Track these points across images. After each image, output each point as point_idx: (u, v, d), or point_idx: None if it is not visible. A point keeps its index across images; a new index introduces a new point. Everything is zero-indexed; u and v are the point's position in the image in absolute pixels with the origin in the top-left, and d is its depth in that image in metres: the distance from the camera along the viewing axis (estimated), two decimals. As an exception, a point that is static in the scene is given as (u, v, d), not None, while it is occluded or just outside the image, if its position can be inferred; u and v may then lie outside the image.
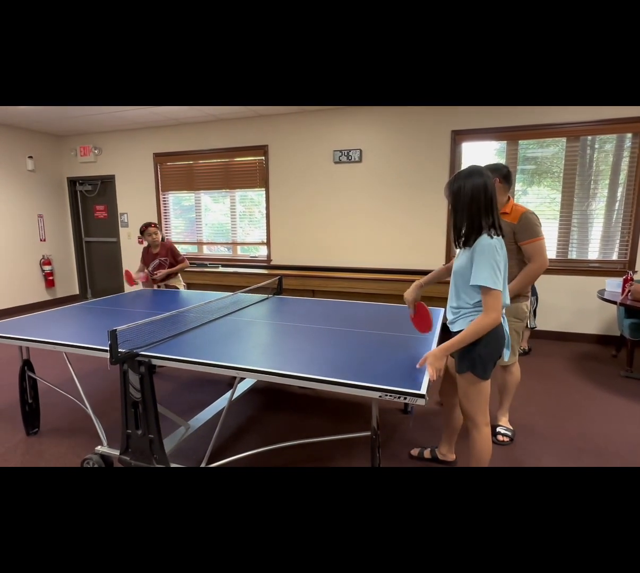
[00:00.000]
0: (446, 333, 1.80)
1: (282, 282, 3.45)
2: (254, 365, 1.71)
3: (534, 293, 4.04)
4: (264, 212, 5.39)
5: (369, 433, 1.73)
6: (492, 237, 1.62)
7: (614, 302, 3.47)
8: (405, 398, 1.45)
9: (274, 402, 3.02)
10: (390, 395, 1.47)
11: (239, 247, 5.71)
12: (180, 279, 3.94)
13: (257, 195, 5.45)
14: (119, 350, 1.79)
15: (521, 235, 2.25)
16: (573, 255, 4.37)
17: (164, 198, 5.92)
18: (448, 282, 1.83)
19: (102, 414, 2.81)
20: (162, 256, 3.70)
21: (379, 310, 2.75)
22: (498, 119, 4.29)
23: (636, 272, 4.11)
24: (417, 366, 1.66)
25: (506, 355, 1.76)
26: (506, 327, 1.76)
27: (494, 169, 2.35)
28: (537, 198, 4.43)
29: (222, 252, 5.88)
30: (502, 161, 4.42)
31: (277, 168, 5.20)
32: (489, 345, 1.67)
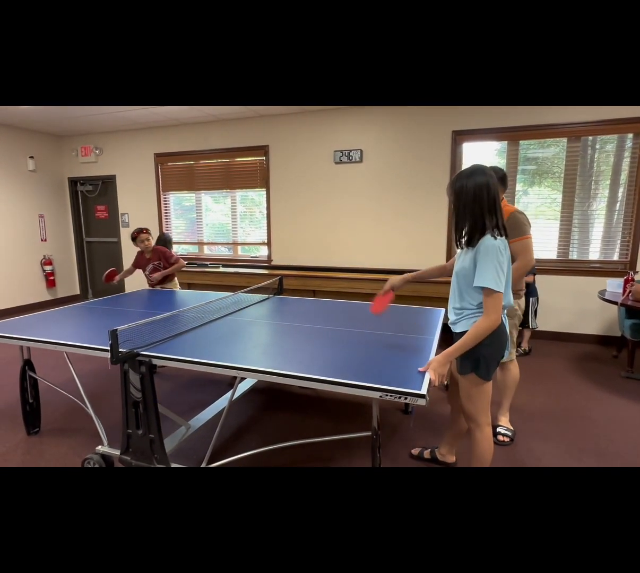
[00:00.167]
0: (447, 334, 1.80)
1: (283, 282, 3.45)
2: (255, 365, 1.71)
3: (535, 293, 4.04)
4: (265, 212, 5.39)
5: (369, 433, 1.73)
6: (496, 238, 1.60)
7: (615, 303, 3.47)
8: (405, 399, 1.45)
9: (274, 402, 3.02)
10: (390, 395, 1.47)
11: (239, 247, 5.71)
12: (177, 283, 3.93)
13: (257, 195, 5.45)
14: (120, 350, 1.79)
15: (509, 234, 2.26)
16: (574, 255, 4.37)
17: (165, 198, 5.92)
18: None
19: (103, 414, 2.81)
20: (155, 260, 3.71)
21: (380, 311, 2.75)
22: (499, 119, 4.29)
23: (637, 272, 4.10)
24: (420, 370, 1.65)
25: (506, 355, 1.76)
26: (508, 328, 1.75)
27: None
28: (538, 198, 4.43)
29: (223, 252, 5.88)
30: (503, 161, 4.42)
31: (277, 168, 5.20)
32: (491, 346, 1.67)
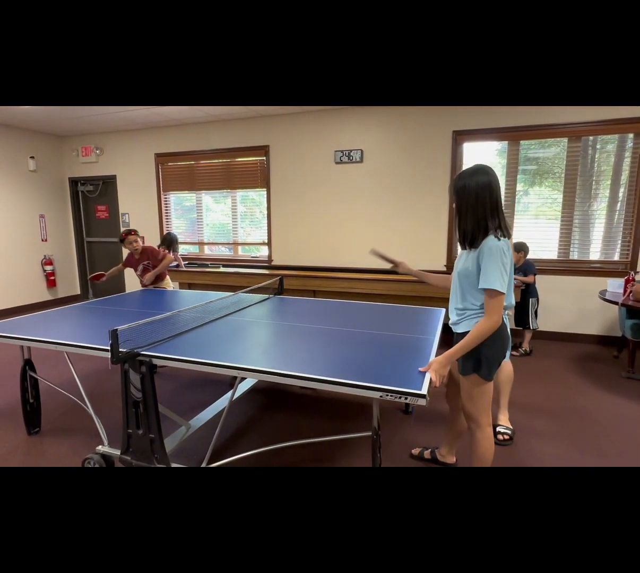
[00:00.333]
0: (447, 334, 1.80)
1: (283, 282, 3.45)
2: (255, 365, 1.71)
3: (535, 294, 4.03)
4: (265, 212, 5.39)
5: (369, 433, 1.72)
6: (499, 239, 1.59)
7: (616, 303, 3.47)
8: (406, 399, 1.45)
9: (274, 402, 3.02)
10: (391, 395, 1.47)
11: (240, 247, 5.71)
12: (169, 281, 3.96)
13: (258, 195, 5.45)
14: (120, 349, 1.79)
15: None
16: (574, 255, 4.36)
17: (165, 198, 5.93)
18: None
19: (103, 414, 2.81)
20: (144, 260, 3.72)
21: (380, 310, 2.75)
22: (499, 119, 4.29)
23: (638, 272, 4.10)
24: (421, 370, 1.65)
25: (507, 355, 1.76)
26: (509, 328, 1.75)
27: None
28: (538, 198, 4.43)
29: (223, 252, 5.88)
30: (504, 161, 4.41)
31: (278, 168, 5.20)
32: (493, 347, 1.67)
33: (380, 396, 1.48)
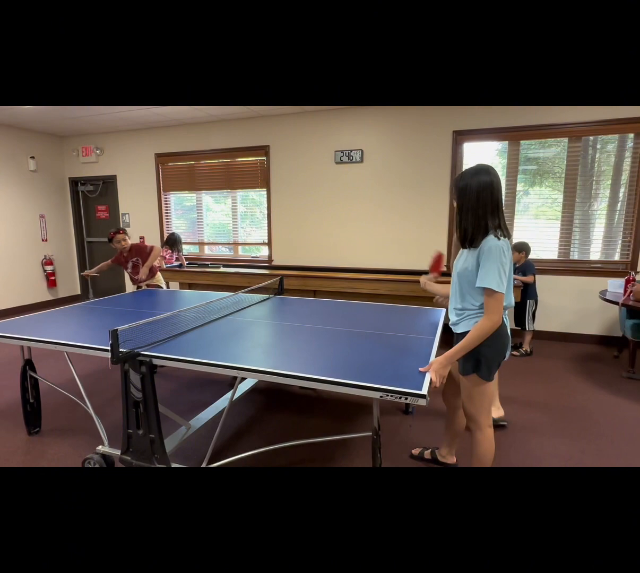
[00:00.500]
0: (448, 334, 1.80)
1: (283, 282, 3.45)
2: (255, 365, 1.71)
3: (534, 296, 4.02)
4: (265, 212, 5.39)
5: (370, 433, 1.72)
6: (499, 239, 1.59)
7: (616, 303, 3.47)
8: (406, 399, 1.45)
9: (275, 402, 3.02)
10: (391, 396, 1.47)
11: (240, 248, 5.71)
12: (161, 278, 3.98)
13: (258, 195, 5.45)
14: (120, 349, 1.79)
15: None
16: (575, 255, 4.36)
17: (166, 198, 5.93)
18: (440, 283, 1.83)
19: (103, 414, 2.81)
20: (133, 258, 3.74)
21: (380, 311, 2.75)
22: (500, 119, 4.29)
23: (638, 272, 4.10)
24: (421, 370, 1.65)
25: (507, 355, 1.76)
26: (509, 328, 1.75)
27: None
28: (538, 198, 4.42)
29: (224, 252, 5.88)
30: (504, 161, 4.41)
31: (278, 168, 5.20)
32: (493, 347, 1.66)
33: (381, 396, 1.48)
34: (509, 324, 1.78)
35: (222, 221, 5.74)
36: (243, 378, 1.87)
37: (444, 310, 2.70)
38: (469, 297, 1.69)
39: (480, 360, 1.67)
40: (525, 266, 3.92)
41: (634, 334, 3.43)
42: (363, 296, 4.09)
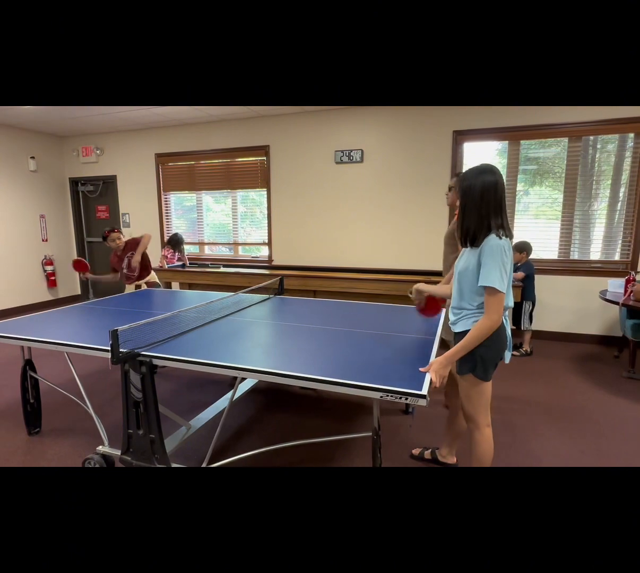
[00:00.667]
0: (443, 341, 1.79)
1: (284, 282, 3.45)
2: (255, 365, 1.71)
3: (530, 296, 4.01)
4: (266, 212, 5.39)
5: (370, 433, 1.72)
6: (501, 238, 1.59)
7: (616, 303, 3.46)
8: (406, 399, 1.45)
9: (275, 402, 3.02)
10: (391, 396, 1.47)
11: (240, 248, 5.71)
12: (155, 276, 4.00)
13: (258, 195, 5.45)
14: (121, 350, 1.79)
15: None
16: (575, 255, 4.36)
17: (166, 198, 5.93)
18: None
19: (104, 414, 2.81)
20: (128, 253, 3.75)
21: (381, 311, 2.75)
22: (500, 119, 4.29)
23: (638, 272, 4.10)
24: (422, 370, 1.65)
25: (507, 357, 1.75)
26: (508, 329, 1.74)
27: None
28: (539, 198, 4.42)
29: (224, 252, 5.88)
30: (504, 161, 4.41)
31: (278, 168, 5.20)
32: (491, 347, 1.66)
33: (381, 396, 1.48)
34: (509, 325, 1.78)
35: (222, 221, 5.74)
36: (243, 379, 1.87)
37: (443, 310, 2.70)
38: (467, 297, 1.69)
39: (477, 361, 1.67)
40: (524, 266, 3.92)
41: (634, 334, 3.43)
42: (363, 296, 4.09)
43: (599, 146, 4.16)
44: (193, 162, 5.65)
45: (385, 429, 2.61)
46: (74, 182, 6.45)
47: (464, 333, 1.66)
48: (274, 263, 5.41)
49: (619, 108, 3.90)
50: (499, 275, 1.56)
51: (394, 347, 1.96)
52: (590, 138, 4.13)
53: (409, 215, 4.79)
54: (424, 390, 1.46)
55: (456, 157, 4.50)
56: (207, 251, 5.93)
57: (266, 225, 5.42)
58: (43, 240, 6.14)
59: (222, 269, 4.90)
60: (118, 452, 2.01)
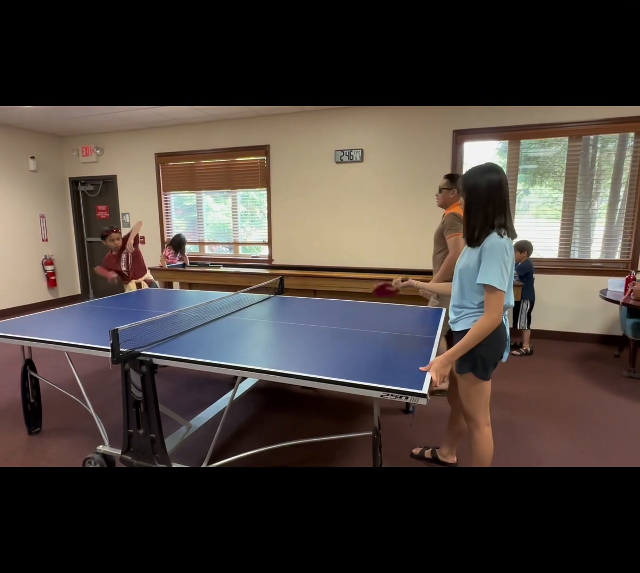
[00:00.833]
0: (448, 333, 1.79)
1: (284, 282, 3.45)
2: (256, 364, 1.71)
3: (529, 296, 4.00)
4: (266, 212, 5.39)
5: (370, 433, 1.72)
6: (502, 237, 1.59)
7: (617, 302, 3.46)
8: (406, 398, 1.45)
9: (275, 401, 3.02)
10: (391, 395, 1.47)
11: (240, 247, 5.71)
12: (149, 273, 4.01)
13: (258, 195, 5.45)
14: (121, 349, 1.79)
15: (446, 230, 2.81)
16: (575, 254, 4.36)
17: (166, 198, 5.93)
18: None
19: (104, 414, 2.81)
20: (124, 249, 3.74)
21: (381, 310, 2.75)
22: (500, 118, 4.28)
23: (639, 271, 4.09)
24: (422, 369, 1.65)
25: (505, 356, 1.75)
26: (508, 328, 1.74)
27: (453, 178, 2.81)
28: (539, 198, 4.42)
29: (224, 252, 5.88)
30: (504, 161, 4.41)
31: (278, 168, 5.20)
32: (491, 346, 1.66)
33: (381, 396, 1.48)
34: (508, 325, 1.78)
35: (222, 221, 5.73)
36: (243, 378, 1.87)
37: (444, 309, 2.70)
38: (468, 296, 1.69)
39: (477, 360, 1.67)
40: (523, 265, 3.91)
41: (634, 333, 3.43)
42: (363, 295, 4.09)
43: (599, 145, 4.16)
44: (193, 162, 5.65)
45: (385, 428, 2.61)
46: (74, 182, 6.45)
47: (464, 332, 1.66)
48: (274, 262, 5.41)
49: (619, 107, 3.90)
50: (499, 273, 1.56)
51: (394, 346, 1.96)
52: (591, 137, 4.13)
53: (409, 214, 4.78)
54: (425, 389, 1.46)
55: (456, 156, 4.50)
56: (207, 251, 5.93)
57: (266, 224, 5.42)
58: (43, 240, 6.14)
59: (222, 269, 4.90)
60: (118, 452, 2.01)
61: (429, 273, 4.21)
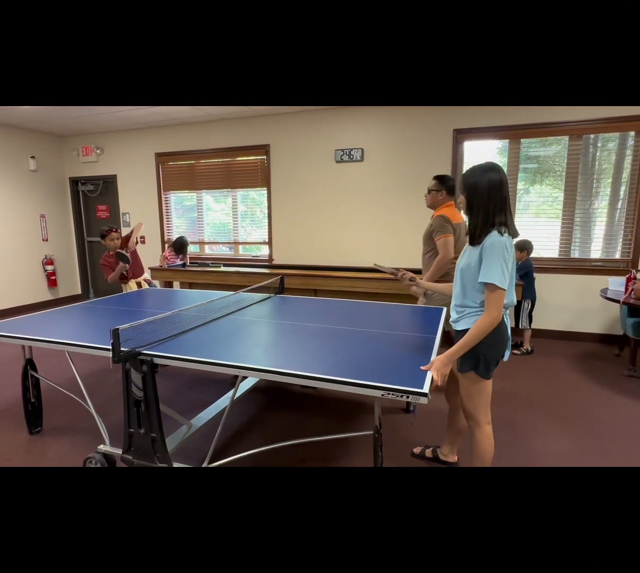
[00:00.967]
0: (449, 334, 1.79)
1: (284, 282, 3.45)
2: (257, 364, 1.71)
3: (530, 296, 4.00)
4: (266, 211, 5.39)
5: (371, 432, 1.72)
6: (502, 235, 1.60)
7: (617, 301, 3.46)
8: (407, 397, 1.45)
9: (276, 401, 3.02)
10: (392, 394, 1.47)
11: (240, 247, 5.71)
12: (146, 272, 4.04)
13: (258, 194, 5.45)
14: (122, 349, 1.80)
15: (435, 232, 2.82)
16: (576, 254, 4.36)
17: (166, 198, 5.93)
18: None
19: (105, 413, 2.81)
20: (122, 248, 3.75)
21: (381, 309, 2.75)
22: (500, 117, 4.28)
23: (639, 270, 4.09)
24: (423, 368, 1.65)
25: (506, 355, 1.75)
26: (509, 327, 1.74)
27: (442, 180, 2.83)
28: (539, 197, 4.42)
29: (224, 251, 5.88)
30: (504, 160, 4.41)
31: (278, 167, 5.20)
32: (492, 345, 1.66)
33: (382, 395, 1.48)
34: (510, 323, 1.77)
35: (222, 220, 5.73)
36: (244, 378, 1.87)
37: (444, 308, 2.70)
38: (470, 294, 1.69)
39: (479, 359, 1.67)
40: (525, 265, 3.91)
41: (635, 332, 3.43)
42: (364, 295, 4.09)
43: (599, 144, 4.15)
44: (193, 161, 5.65)
45: (386, 428, 2.61)
46: (74, 182, 6.45)
47: (466, 331, 1.66)
48: (274, 262, 5.41)
49: (619, 106, 3.90)
50: (499, 271, 1.56)
51: (394, 345, 1.96)
52: (591, 136, 4.13)
53: (409, 213, 4.78)
54: (425, 388, 1.46)
55: (457, 155, 4.49)
56: (208, 250, 5.93)
57: (266, 224, 5.42)
58: (43, 240, 6.14)
59: (223, 268, 4.91)
60: (119, 451, 2.02)
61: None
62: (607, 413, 2.80)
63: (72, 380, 3.35)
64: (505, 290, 1.57)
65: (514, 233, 1.64)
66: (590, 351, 4.10)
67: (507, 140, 4.36)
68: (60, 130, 5.94)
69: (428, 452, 2.27)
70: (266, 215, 5.40)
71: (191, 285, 4.88)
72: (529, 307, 4.00)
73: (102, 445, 2.14)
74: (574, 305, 4.37)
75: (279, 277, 3.44)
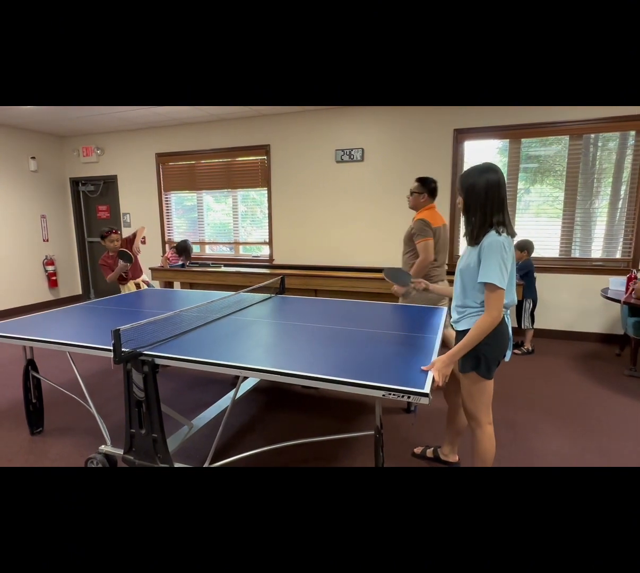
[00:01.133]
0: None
1: (285, 282, 3.45)
2: (257, 364, 1.71)
3: (531, 295, 4.00)
4: (266, 211, 5.39)
5: (372, 432, 1.72)
6: (500, 234, 1.60)
7: (618, 301, 3.46)
8: (408, 397, 1.45)
9: (277, 401, 3.02)
10: (393, 394, 1.47)
11: (241, 247, 5.72)
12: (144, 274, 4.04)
13: (259, 194, 5.45)
14: (123, 349, 1.80)
15: (416, 235, 2.93)
16: (576, 253, 4.35)
17: (166, 198, 5.93)
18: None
19: (106, 414, 2.81)
20: (122, 248, 3.75)
21: (382, 309, 2.75)
22: (500, 117, 4.28)
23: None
24: (424, 369, 1.65)
25: (508, 355, 1.75)
26: (510, 327, 1.74)
27: (424, 182, 2.93)
28: (539, 196, 4.42)
29: (225, 251, 5.88)
30: (505, 160, 4.41)
31: (279, 167, 5.20)
32: (493, 345, 1.66)
33: (383, 395, 1.48)
34: (511, 323, 1.77)
35: (222, 220, 5.74)
36: (245, 378, 1.88)
37: (445, 309, 2.70)
38: (470, 295, 1.69)
39: (480, 359, 1.67)
40: (525, 265, 3.91)
41: (635, 332, 3.43)
42: (364, 295, 4.10)
43: (600, 144, 4.15)
44: (193, 162, 5.65)
45: (387, 428, 2.61)
46: (75, 182, 6.45)
47: (467, 332, 1.66)
48: (274, 262, 5.41)
49: (619, 106, 3.89)
50: (498, 271, 1.56)
51: (395, 345, 1.96)
52: (591, 136, 4.12)
53: (409, 213, 4.77)
54: (426, 389, 1.46)
55: (457, 155, 4.49)
56: (208, 251, 5.93)
57: (267, 224, 5.42)
58: (44, 240, 6.15)
59: (223, 269, 4.91)
60: (120, 452, 2.02)
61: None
62: (607, 413, 2.80)
63: (73, 381, 3.36)
64: (504, 289, 1.58)
65: (511, 232, 1.65)
66: (591, 351, 4.10)
67: (508, 140, 4.36)
68: (60, 131, 5.95)
69: (429, 452, 2.27)
70: (266, 215, 5.40)
71: (192, 286, 4.88)
72: (531, 306, 4.00)
73: (103, 446, 2.14)
74: (574, 305, 4.37)
75: (280, 277, 3.44)
